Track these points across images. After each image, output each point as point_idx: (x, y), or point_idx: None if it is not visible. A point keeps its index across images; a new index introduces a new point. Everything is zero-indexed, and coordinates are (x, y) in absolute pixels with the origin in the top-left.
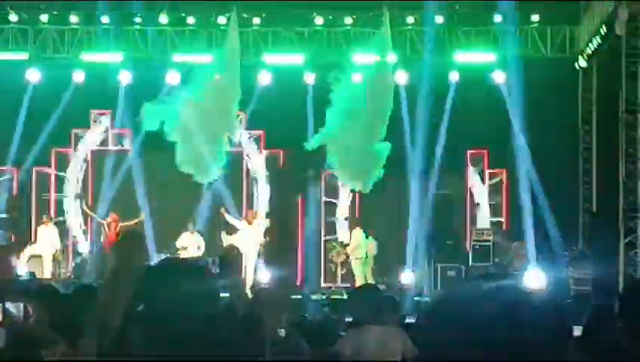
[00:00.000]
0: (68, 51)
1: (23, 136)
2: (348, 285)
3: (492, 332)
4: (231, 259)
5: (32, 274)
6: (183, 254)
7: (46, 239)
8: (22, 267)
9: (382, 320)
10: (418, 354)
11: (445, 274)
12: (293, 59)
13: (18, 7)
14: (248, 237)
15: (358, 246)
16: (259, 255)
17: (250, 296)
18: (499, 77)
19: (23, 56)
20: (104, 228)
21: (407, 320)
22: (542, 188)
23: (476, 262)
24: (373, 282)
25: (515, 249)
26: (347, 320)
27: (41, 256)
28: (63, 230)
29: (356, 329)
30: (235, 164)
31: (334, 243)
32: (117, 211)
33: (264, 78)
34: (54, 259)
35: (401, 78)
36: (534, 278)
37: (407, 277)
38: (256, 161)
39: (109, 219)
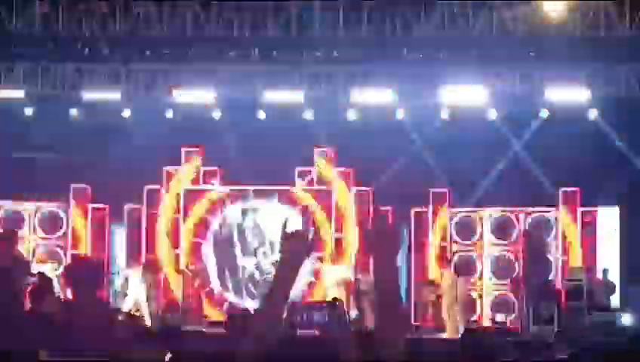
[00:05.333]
0: (159, 89)
1: (115, 173)
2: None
3: None
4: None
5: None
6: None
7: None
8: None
9: None
10: None
11: (539, 314)
12: (381, 95)
13: (110, 47)
14: (330, 277)
15: (449, 286)
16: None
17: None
18: (592, 113)
19: (115, 95)
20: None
21: None
22: None
23: (570, 301)
24: (460, 322)
25: None
26: None
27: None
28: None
29: None
30: (323, 201)
31: (425, 283)
32: None
33: (353, 115)
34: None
35: (491, 113)
36: None
37: (501, 316)
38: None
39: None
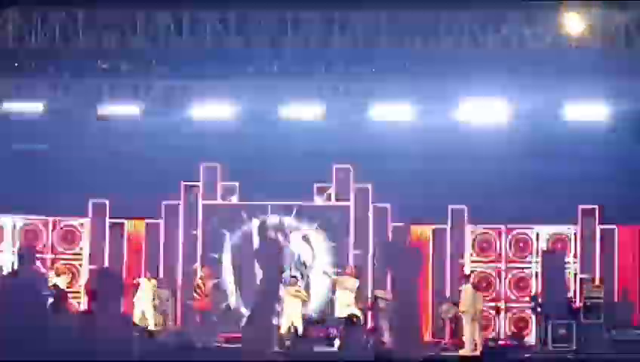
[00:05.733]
0: (178, 103)
1: (133, 187)
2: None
3: None
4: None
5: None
6: None
7: (147, 291)
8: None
9: None
10: None
11: (557, 331)
12: (400, 110)
13: (130, 62)
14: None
15: (468, 303)
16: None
17: None
18: (611, 129)
19: (133, 109)
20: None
21: None
22: None
23: (587, 319)
24: (479, 339)
25: None
26: None
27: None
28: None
29: None
30: (343, 216)
31: (444, 299)
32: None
33: (372, 132)
34: (158, 310)
35: (511, 129)
36: None
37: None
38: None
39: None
